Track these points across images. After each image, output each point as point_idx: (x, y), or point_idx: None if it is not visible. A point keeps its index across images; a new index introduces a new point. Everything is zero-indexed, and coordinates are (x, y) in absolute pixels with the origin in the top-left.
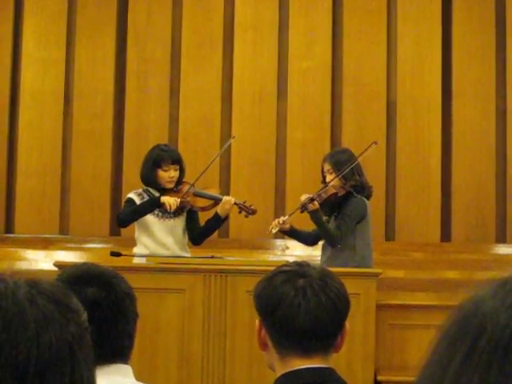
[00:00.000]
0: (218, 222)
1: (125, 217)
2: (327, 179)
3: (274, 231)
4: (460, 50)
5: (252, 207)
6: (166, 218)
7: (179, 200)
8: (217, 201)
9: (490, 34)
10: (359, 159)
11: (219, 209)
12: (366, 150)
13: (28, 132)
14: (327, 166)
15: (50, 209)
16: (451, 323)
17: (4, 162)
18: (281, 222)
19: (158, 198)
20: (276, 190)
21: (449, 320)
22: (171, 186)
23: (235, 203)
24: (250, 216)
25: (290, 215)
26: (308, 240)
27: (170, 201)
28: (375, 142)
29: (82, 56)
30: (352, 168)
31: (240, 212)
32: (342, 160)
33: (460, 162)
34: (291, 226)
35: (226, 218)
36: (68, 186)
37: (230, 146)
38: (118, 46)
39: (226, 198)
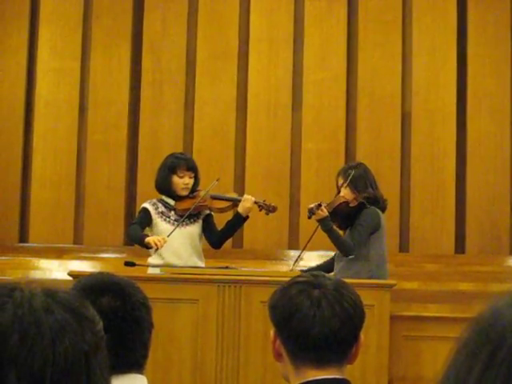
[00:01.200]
0: (239, 221)
1: (128, 235)
2: (341, 193)
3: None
4: (475, 62)
5: (272, 205)
6: (182, 225)
7: (166, 238)
8: (235, 202)
9: (506, 46)
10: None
11: (240, 207)
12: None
13: (43, 142)
14: (341, 180)
15: (64, 218)
16: (470, 334)
17: (19, 172)
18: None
19: (143, 238)
20: (290, 201)
21: (467, 331)
22: (185, 193)
23: (255, 202)
24: (270, 214)
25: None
26: (326, 269)
27: (155, 240)
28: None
29: (97, 66)
30: (365, 180)
31: (260, 210)
32: (355, 174)
33: (474, 173)
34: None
35: (247, 217)
36: (82, 196)
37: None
38: (133, 57)
39: (246, 196)
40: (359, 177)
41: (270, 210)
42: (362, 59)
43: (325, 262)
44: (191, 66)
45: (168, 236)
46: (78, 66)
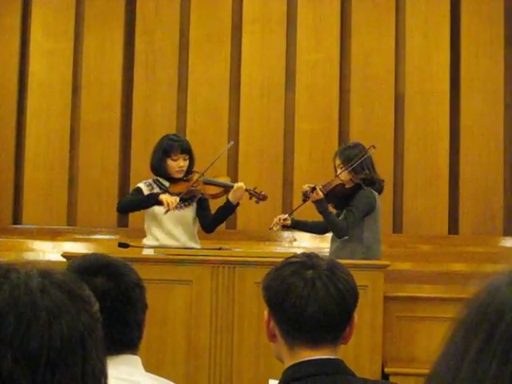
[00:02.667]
0: (230, 208)
1: (125, 204)
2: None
3: (275, 229)
4: (468, 42)
5: (263, 193)
6: (176, 208)
7: (178, 199)
8: (227, 188)
9: (499, 27)
10: (369, 154)
11: (231, 195)
12: (367, 151)
13: (36, 123)
14: (338, 161)
15: (57, 200)
16: (467, 312)
17: (12, 153)
18: (282, 219)
19: (158, 195)
20: (284, 181)
21: (465, 309)
22: (180, 175)
23: (246, 189)
24: (260, 202)
25: (292, 211)
26: (317, 229)
27: (168, 199)
28: (373, 146)
29: (90, 47)
30: (362, 162)
31: (251, 198)
32: (352, 154)
33: (468, 154)
34: (293, 220)
35: (238, 204)
36: (76, 177)
37: (232, 146)
38: (126, 38)
39: (237, 185)
40: (356, 157)
41: (260, 198)
42: (356, 40)
43: (314, 222)
44: (184, 47)
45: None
46: (71, 47)
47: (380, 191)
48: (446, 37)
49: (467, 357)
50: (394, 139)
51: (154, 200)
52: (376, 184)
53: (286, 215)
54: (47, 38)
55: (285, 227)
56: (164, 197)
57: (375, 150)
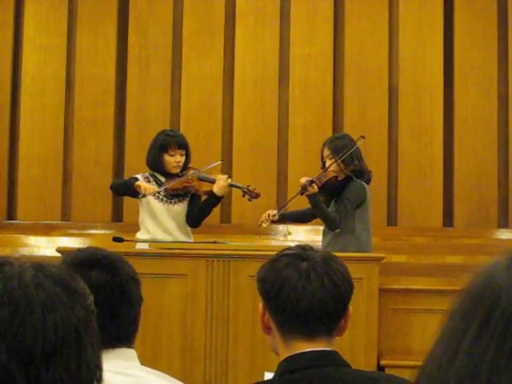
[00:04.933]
0: (213, 200)
1: (115, 186)
2: (327, 165)
3: (264, 225)
4: (462, 35)
5: (256, 191)
6: (170, 203)
7: (157, 189)
8: None
9: (492, 20)
10: (357, 144)
11: (215, 187)
12: (355, 142)
13: (29, 118)
14: (326, 152)
15: (51, 195)
16: (464, 297)
17: (5, 149)
18: (271, 215)
19: (134, 180)
20: (278, 175)
21: (461, 294)
22: (177, 170)
23: (231, 184)
24: (253, 200)
25: (283, 206)
26: (303, 218)
27: (146, 186)
28: (363, 136)
29: (83, 42)
30: (351, 153)
31: (244, 196)
32: (340, 145)
33: (462, 147)
34: (280, 214)
35: (222, 197)
36: (70, 172)
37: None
38: (120, 33)
39: (219, 176)
40: (345, 148)
41: (252, 196)
42: (349, 33)
43: (299, 211)
44: (178, 42)
45: (159, 191)
46: (64, 43)
47: (369, 182)
48: (440, 29)
49: (464, 341)
50: (388, 132)
51: (131, 184)
52: (365, 175)
53: (275, 211)
54: (40, 33)
55: (273, 222)
56: (141, 183)
57: (364, 140)
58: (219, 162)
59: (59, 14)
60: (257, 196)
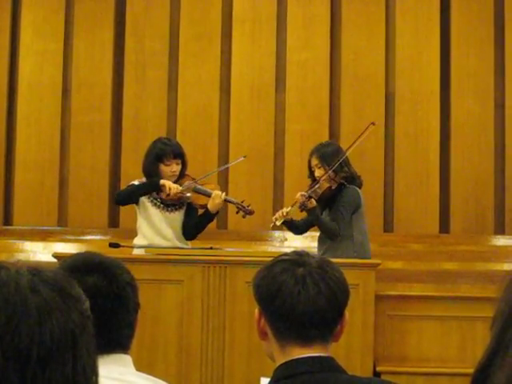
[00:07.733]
0: (208, 217)
1: (123, 195)
2: (316, 173)
3: (278, 223)
4: (458, 42)
5: (250, 208)
6: (167, 211)
7: (181, 188)
8: None
9: (489, 27)
10: (358, 141)
11: (209, 204)
12: (363, 132)
13: (26, 124)
14: (315, 161)
15: (48, 201)
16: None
17: (2, 154)
18: (284, 213)
19: (158, 179)
20: (274, 182)
21: (499, 303)
22: (173, 180)
23: (226, 199)
24: (247, 216)
25: (292, 206)
26: (299, 230)
27: (171, 185)
28: (373, 123)
29: (80, 48)
30: (339, 160)
31: (238, 212)
32: (328, 153)
33: (458, 153)
34: (292, 218)
35: (217, 213)
36: (66, 178)
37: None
38: (116, 38)
39: (215, 192)
40: (333, 156)
41: (247, 212)
42: (346, 39)
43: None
44: (174, 48)
45: (182, 190)
46: (60, 48)
47: (360, 186)
48: (436, 36)
49: (502, 344)
50: (385, 138)
51: (155, 184)
52: (356, 180)
53: (289, 208)
54: (37, 39)
55: (284, 223)
56: (166, 181)
57: (364, 140)
58: (242, 158)
59: (56, 20)
60: (251, 213)
